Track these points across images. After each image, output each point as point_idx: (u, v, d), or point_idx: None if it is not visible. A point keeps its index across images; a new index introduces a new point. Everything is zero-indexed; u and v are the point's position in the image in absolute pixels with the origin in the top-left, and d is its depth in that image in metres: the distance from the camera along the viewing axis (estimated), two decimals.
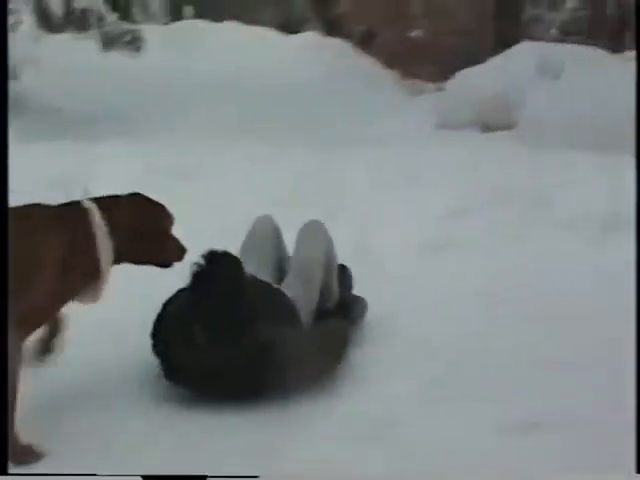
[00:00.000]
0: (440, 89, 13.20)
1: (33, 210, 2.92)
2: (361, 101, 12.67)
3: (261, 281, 3.56)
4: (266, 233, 3.96)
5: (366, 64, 16.29)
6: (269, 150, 6.73)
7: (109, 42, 10.69)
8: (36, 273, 2.81)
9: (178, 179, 6.04)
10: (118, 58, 10.89)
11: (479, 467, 2.75)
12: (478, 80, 8.95)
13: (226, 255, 3.30)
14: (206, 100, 11.71)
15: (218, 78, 13.60)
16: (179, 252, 3.18)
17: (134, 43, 10.73)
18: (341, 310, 3.82)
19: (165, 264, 3.17)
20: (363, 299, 3.97)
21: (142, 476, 2.59)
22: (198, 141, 7.99)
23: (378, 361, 3.55)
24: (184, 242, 3.20)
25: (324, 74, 14.74)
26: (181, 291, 3.36)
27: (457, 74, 10.55)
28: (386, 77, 15.34)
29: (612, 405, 3.08)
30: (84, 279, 2.96)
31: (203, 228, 4.54)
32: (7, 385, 2.72)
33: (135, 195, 3.11)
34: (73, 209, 2.97)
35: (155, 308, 3.39)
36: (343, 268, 4.03)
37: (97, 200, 3.01)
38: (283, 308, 3.48)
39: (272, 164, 6.60)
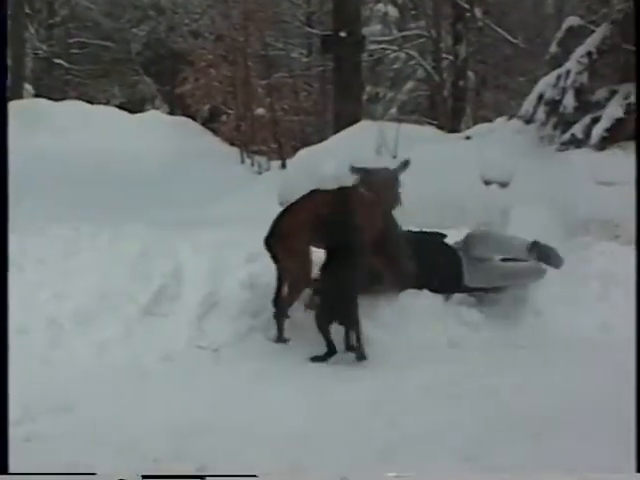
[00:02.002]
0: (283, 167, 13.29)
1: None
2: (205, 179, 12.59)
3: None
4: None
5: (211, 142, 16.29)
6: (105, 229, 6.45)
7: None
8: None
9: None
10: None
11: None
12: (319, 158, 8.98)
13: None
14: (45, 182, 11.39)
15: (60, 157, 13.28)
16: None
17: None
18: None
19: None
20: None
21: (142, 476, 2.79)
22: (32, 223, 7.64)
23: None
24: None
25: (168, 152, 14.63)
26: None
27: (298, 152, 10.59)
28: (231, 155, 15.35)
29: None
30: None
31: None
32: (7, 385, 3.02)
33: None
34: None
35: None
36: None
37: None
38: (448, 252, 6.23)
39: (109, 244, 6.34)
